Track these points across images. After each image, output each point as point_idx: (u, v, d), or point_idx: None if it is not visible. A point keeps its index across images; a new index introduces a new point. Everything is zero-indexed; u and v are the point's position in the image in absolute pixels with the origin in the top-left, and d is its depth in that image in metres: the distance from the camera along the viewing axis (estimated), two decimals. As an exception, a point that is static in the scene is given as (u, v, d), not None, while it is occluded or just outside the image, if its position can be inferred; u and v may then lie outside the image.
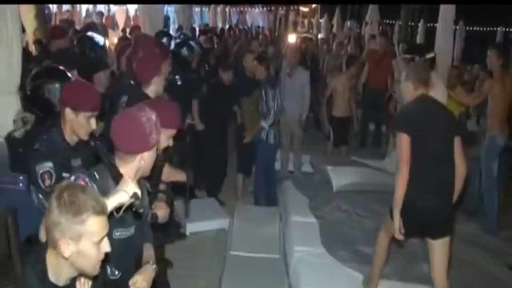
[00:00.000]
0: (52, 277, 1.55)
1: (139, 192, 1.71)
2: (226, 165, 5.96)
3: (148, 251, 2.18)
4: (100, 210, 1.50)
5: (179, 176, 3.08)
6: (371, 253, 3.69)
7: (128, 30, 9.88)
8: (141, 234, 2.11)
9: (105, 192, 1.75)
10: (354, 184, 5.42)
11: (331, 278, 3.73)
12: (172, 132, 2.59)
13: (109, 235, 1.86)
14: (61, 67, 2.95)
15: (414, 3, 17.28)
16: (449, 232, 3.16)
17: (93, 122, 2.49)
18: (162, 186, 2.86)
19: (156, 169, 2.68)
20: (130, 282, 1.97)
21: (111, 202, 1.66)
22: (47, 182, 2.37)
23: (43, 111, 2.79)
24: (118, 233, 1.92)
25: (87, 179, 1.81)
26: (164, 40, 5.86)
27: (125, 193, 1.68)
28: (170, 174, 3.00)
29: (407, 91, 3.24)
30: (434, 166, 3.06)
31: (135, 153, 1.89)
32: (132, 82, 3.56)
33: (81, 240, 1.48)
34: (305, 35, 15.98)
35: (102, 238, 1.53)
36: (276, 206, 5.42)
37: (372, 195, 5.07)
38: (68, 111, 2.44)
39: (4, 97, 3.67)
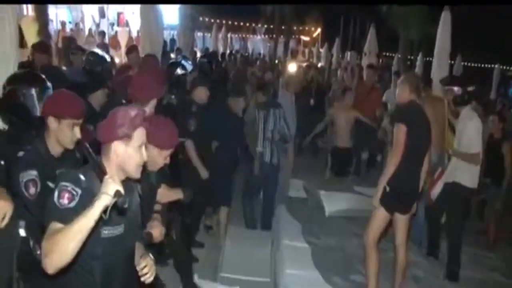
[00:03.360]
0: None
1: (121, 189, 1.73)
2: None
3: (139, 249, 2.19)
4: None
5: (175, 195, 3.06)
6: (362, 279, 3.74)
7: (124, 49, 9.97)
8: (132, 234, 2.09)
9: (93, 193, 1.77)
10: (346, 210, 5.41)
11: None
12: (168, 152, 2.63)
13: (98, 234, 1.87)
14: (39, 73, 2.92)
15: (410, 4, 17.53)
16: (411, 210, 3.91)
17: (77, 130, 2.47)
18: (157, 207, 2.85)
19: (151, 190, 2.70)
20: (142, 265, 2.00)
21: (97, 208, 1.68)
22: (32, 191, 2.33)
23: (18, 116, 2.69)
24: (106, 232, 1.92)
25: (70, 188, 1.80)
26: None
27: (106, 195, 1.70)
28: (166, 195, 2.99)
29: (403, 93, 3.79)
30: (417, 156, 3.76)
31: (104, 141, 1.93)
32: (124, 101, 3.43)
33: None
34: (307, 63, 16.21)
35: None
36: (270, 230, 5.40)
37: (364, 221, 5.05)
38: (51, 120, 2.44)
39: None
